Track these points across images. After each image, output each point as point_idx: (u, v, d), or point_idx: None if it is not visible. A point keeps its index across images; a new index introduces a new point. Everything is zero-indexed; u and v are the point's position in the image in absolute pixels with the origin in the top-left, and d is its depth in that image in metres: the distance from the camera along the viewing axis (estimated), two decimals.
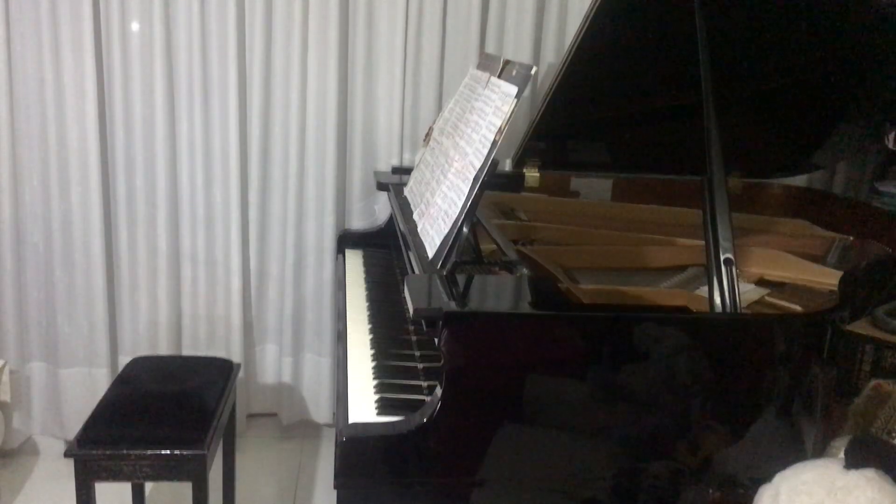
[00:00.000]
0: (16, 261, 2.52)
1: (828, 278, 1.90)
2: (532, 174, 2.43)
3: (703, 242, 1.63)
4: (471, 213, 1.54)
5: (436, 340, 1.38)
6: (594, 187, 2.62)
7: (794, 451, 1.50)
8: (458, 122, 1.85)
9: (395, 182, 2.31)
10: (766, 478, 1.46)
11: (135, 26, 2.39)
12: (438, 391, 1.36)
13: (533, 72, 1.57)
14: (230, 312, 2.65)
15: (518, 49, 2.56)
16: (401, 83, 2.53)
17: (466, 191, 1.56)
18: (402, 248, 1.85)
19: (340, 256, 2.48)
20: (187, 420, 1.87)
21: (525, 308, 1.46)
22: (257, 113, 2.50)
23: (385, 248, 2.44)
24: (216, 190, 2.56)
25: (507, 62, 1.75)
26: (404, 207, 2.00)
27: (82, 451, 1.78)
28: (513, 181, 2.42)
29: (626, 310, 1.61)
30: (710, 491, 1.51)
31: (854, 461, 1.36)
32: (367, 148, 2.60)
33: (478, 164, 1.56)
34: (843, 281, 1.71)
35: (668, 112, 2.30)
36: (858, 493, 1.32)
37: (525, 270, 1.61)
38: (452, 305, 1.37)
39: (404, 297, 1.48)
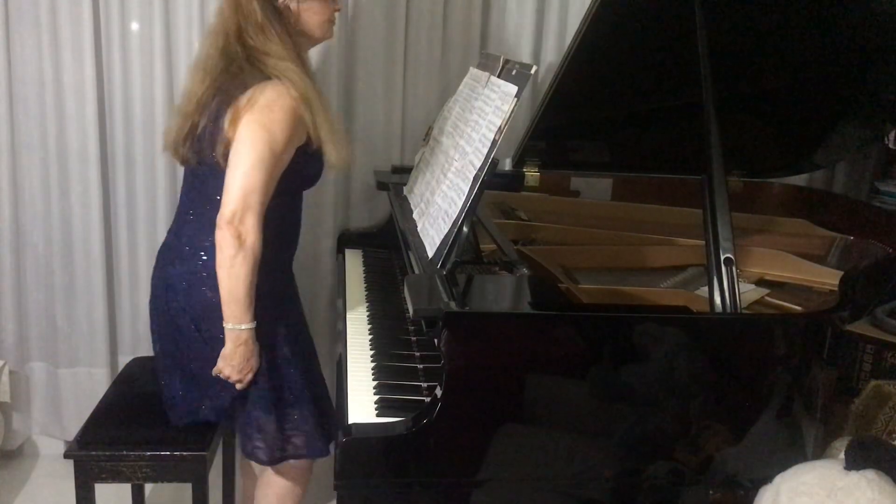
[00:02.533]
0: (16, 261, 2.52)
1: (828, 278, 1.90)
2: (532, 174, 2.42)
3: (703, 242, 1.63)
4: (471, 213, 1.54)
5: (436, 340, 1.38)
6: (594, 187, 2.62)
7: (794, 452, 1.50)
8: (458, 122, 1.85)
9: (395, 182, 2.31)
10: (767, 478, 1.46)
11: (135, 26, 2.39)
12: (438, 391, 1.36)
13: (533, 71, 1.57)
14: None
15: (518, 49, 2.56)
16: (401, 83, 2.53)
17: (466, 190, 1.56)
18: (402, 247, 1.85)
19: (340, 256, 2.48)
20: None
21: (525, 308, 1.46)
22: None
23: (385, 248, 2.44)
24: None
25: (506, 61, 1.74)
26: (404, 207, 2.00)
27: (82, 452, 1.78)
28: (513, 181, 2.42)
29: (626, 310, 1.61)
30: (711, 491, 1.51)
31: (854, 462, 1.36)
32: (367, 148, 2.59)
33: (478, 164, 1.56)
34: (843, 281, 1.71)
35: (668, 112, 2.30)
36: (859, 494, 1.32)
37: (525, 270, 1.61)
38: (452, 305, 1.37)
39: (404, 297, 1.48)
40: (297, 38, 1.75)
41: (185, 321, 1.74)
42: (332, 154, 1.70)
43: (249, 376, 1.71)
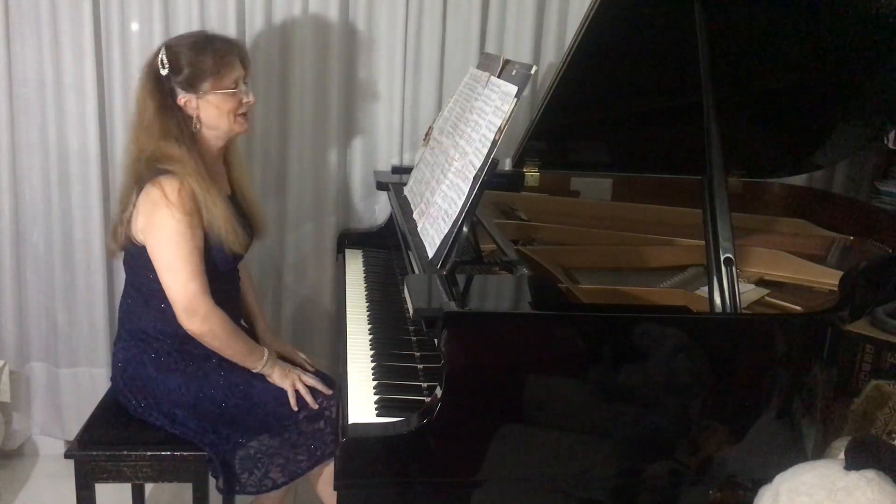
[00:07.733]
0: (16, 261, 2.52)
1: (828, 278, 1.89)
2: (532, 174, 2.42)
3: (703, 242, 1.63)
4: (471, 213, 1.54)
5: (436, 341, 1.38)
6: (594, 187, 2.62)
7: (794, 452, 1.50)
8: (458, 122, 1.85)
9: (395, 182, 2.31)
10: (767, 478, 1.46)
11: (135, 26, 2.39)
12: (438, 391, 1.36)
13: (533, 71, 1.57)
14: None
15: (518, 49, 2.56)
16: (401, 83, 2.53)
17: (466, 190, 1.56)
18: (402, 247, 1.85)
19: (340, 256, 2.48)
20: None
21: (525, 308, 1.46)
22: (259, 113, 2.50)
23: (385, 248, 2.44)
24: None
25: (506, 62, 1.74)
26: (404, 207, 2.00)
27: (82, 452, 1.78)
28: (513, 181, 2.42)
29: (626, 310, 1.61)
30: (711, 491, 1.51)
31: (854, 462, 1.36)
32: (367, 148, 2.59)
33: (478, 164, 1.56)
34: (843, 281, 1.71)
35: (668, 112, 2.30)
36: (859, 495, 1.32)
37: (525, 270, 1.61)
38: (452, 305, 1.37)
39: (404, 297, 1.48)
40: (205, 132, 1.83)
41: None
42: (227, 241, 1.81)
43: (294, 376, 1.84)
